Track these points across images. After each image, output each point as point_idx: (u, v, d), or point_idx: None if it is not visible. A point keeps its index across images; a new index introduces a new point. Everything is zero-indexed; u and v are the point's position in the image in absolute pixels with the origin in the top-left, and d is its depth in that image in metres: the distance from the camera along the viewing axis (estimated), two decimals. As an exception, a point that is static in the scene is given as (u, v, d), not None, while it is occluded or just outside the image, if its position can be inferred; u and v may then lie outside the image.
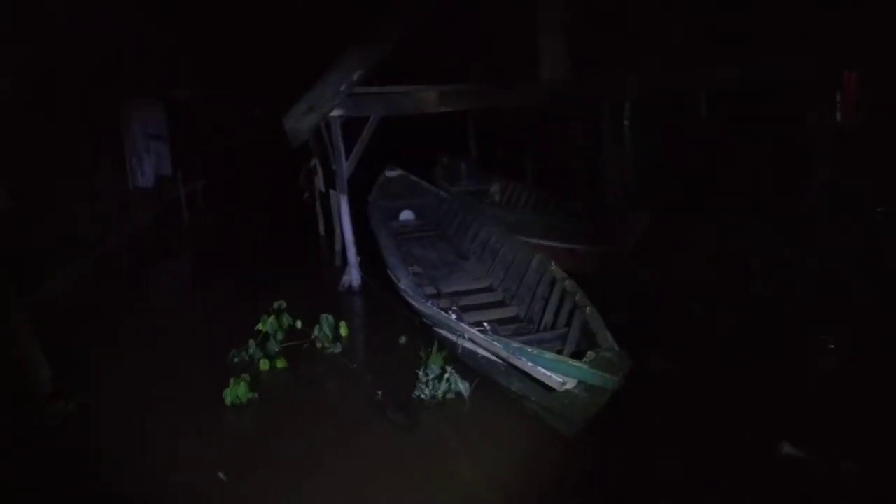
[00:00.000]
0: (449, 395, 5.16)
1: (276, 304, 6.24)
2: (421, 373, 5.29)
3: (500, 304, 6.75)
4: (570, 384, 4.12)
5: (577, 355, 4.23)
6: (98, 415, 5.11)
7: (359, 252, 7.92)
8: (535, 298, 6.33)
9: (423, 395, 5.18)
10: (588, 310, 5.28)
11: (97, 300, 7.62)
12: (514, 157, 11.96)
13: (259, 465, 4.48)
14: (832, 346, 5.29)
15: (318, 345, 6.17)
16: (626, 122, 10.21)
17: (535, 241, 7.55)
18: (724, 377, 5.25)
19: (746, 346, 5.66)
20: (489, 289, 7.13)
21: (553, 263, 6.40)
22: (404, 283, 6.58)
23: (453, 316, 5.36)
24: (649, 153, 10.58)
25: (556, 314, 5.83)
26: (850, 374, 5.05)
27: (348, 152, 7.84)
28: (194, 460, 4.53)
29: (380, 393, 5.29)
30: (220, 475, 4.32)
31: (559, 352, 4.75)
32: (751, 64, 8.55)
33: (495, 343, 4.58)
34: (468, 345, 5.11)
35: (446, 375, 5.23)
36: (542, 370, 4.15)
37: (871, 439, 4.23)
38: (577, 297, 5.58)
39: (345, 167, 7.84)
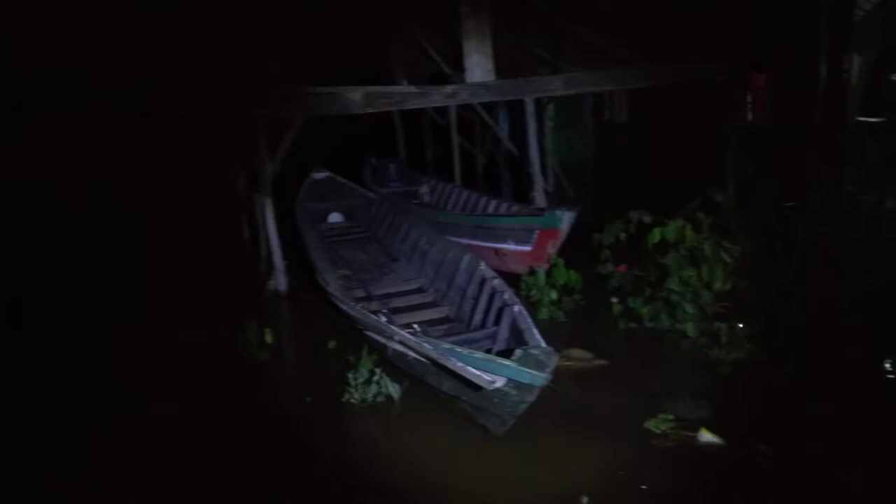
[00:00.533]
0: (379, 398, 5.14)
1: (199, 312, 6.08)
2: (350, 376, 5.25)
3: (431, 304, 6.77)
4: (500, 383, 4.19)
5: (507, 354, 4.30)
6: None
7: (286, 256, 7.78)
8: (465, 298, 6.39)
9: (352, 399, 5.15)
10: (516, 308, 5.37)
11: None
12: (442, 158, 12.03)
13: (181, 479, 4.33)
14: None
15: (244, 352, 6.03)
16: (550, 123, 10.45)
17: (464, 241, 7.60)
18: (645, 369, 5.44)
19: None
20: (420, 290, 7.14)
21: (482, 263, 6.47)
22: (333, 287, 6.51)
23: (383, 318, 5.35)
24: (573, 153, 10.88)
25: (486, 313, 5.90)
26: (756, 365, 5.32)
27: (272, 154, 7.69)
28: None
29: (309, 399, 5.22)
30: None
31: (488, 351, 4.80)
32: (666, 65, 8.89)
33: (425, 344, 4.60)
34: (398, 347, 5.11)
35: (376, 378, 5.21)
36: (472, 370, 4.20)
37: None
38: (505, 296, 5.67)
39: (268, 169, 7.69)
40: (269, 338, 6.13)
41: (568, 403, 4.96)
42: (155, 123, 8.21)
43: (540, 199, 9.23)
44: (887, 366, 4.99)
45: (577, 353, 5.71)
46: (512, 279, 6.93)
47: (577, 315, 6.62)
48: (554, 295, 6.69)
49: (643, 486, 3.89)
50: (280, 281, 7.67)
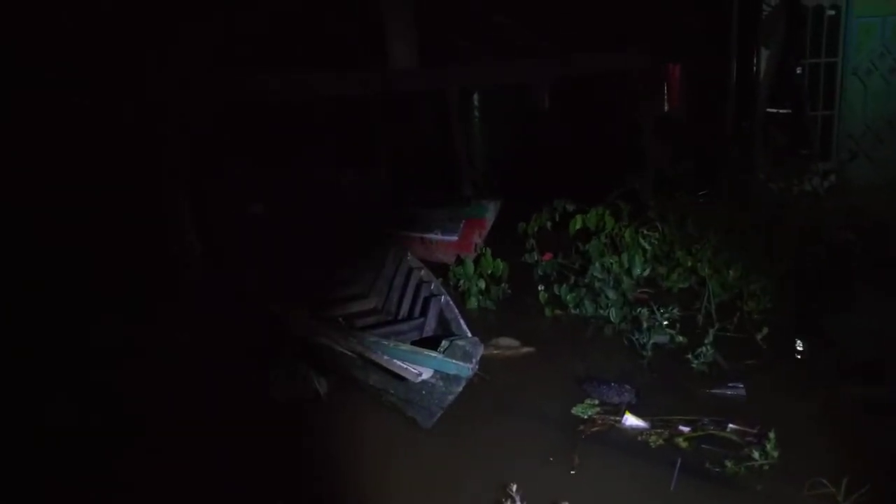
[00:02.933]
0: (306, 393, 5.00)
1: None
2: (272, 372, 5.08)
3: (357, 296, 6.65)
4: (427, 375, 4.15)
5: (434, 344, 4.26)
6: None
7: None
8: (392, 289, 6.31)
9: (277, 396, 4.98)
10: (443, 299, 5.35)
11: None
12: (365, 148, 11.85)
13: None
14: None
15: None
16: (475, 113, 10.46)
17: (390, 231, 7.51)
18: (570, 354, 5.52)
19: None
20: (346, 282, 7.00)
21: (409, 254, 6.40)
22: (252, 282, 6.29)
23: (305, 312, 5.21)
24: (498, 143, 10.94)
25: (413, 304, 5.85)
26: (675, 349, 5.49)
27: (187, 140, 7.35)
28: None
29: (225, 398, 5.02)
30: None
31: (416, 342, 4.75)
32: (585, 56, 9.04)
33: (350, 338, 4.51)
34: (322, 340, 4.98)
35: (302, 373, 5.07)
36: (398, 363, 4.16)
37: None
38: (431, 287, 5.63)
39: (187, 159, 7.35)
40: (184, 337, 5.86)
41: (496, 392, 4.97)
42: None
43: (466, 189, 9.23)
44: (798, 345, 5.25)
45: (505, 341, 5.74)
46: (441, 269, 6.92)
47: (504, 304, 6.67)
48: (482, 284, 6.71)
49: (572, 472, 3.93)
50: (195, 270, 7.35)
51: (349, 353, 4.74)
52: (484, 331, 5.76)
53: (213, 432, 4.62)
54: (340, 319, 4.95)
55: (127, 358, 5.62)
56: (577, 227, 6.44)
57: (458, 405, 4.36)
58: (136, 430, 4.69)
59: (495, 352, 5.58)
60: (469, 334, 4.58)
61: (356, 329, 4.86)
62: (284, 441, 4.58)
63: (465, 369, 4.09)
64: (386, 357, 4.23)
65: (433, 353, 4.13)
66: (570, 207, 6.68)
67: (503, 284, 6.78)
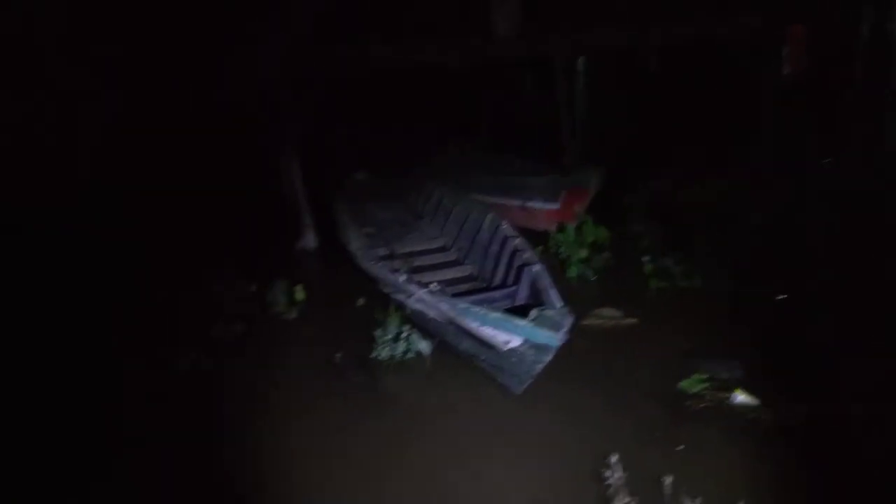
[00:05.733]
0: (409, 355, 5.17)
1: (228, 269, 6.13)
2: (378, 333, 5.28)
3: (454, 263, 6.74)
4: (515, 343, 4.20)
5: (524, 313, 4.30)
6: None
7: (314, 214, 7.78)
8: (487, 257, 6.35)
9: (381, 356, 5.18)
10: (536, 268, 5.32)
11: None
12: (467, 116, 11.85)
13: (218, 428, 4.43)
14: (782, 298, 5.44)
15: (274, 310, 6.08)
16: (580, 79, 10.20)
17: (488, 199, 7.52)
18: (671, 329, 5.38)
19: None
20: (443, 249, 7.10)
21: (505, 222, 6.40)
22: (354, 245, 6.52)
23: (401, 277, 5.36)
24: (603, 110, 10.64)
25: (507, 273, 5.87)
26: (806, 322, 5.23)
27: (298, 112, 7.66)
28: (141, 426, 4.47)
29: (338, 355, 5.27)
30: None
31: (507, 310, 4.79)
32: (700, 20, 8.58)
33: (441, 304, 4.62)
34: (418, 306, 5.12)
35: (404, 335, 5.23)
36: (487, 330, 4.24)
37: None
38: (525, 256, 5.63)
39: (295, 125, 7.67)
40: (299, 295, 6.17)
41: (595, 362, 4.94)
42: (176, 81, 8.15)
43: (569, 157, 9.08)
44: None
45: (606, 311, 5.66)
46: (540, 238, 6.88)
47: (606, 273, 6.54)
48: (584, 253, 6.62)
49: (679, 447, 3.86)
50: (309, 239, 7.70)
51: (441, 319, 4.87)
52: (585, 300, 5.73)
53: (327, 386, 4.90)
54: (433, 285, 5.05)
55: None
56: (688, 198, 6.20)
57: (556, 374, 4.37)
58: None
59: (596, 322, 5.52)
60: (560, 304, 4.55)
61: (449, 295, 4.95)
62: (384, 399, 4.78)
63: (554, 339, 4.09)
64: (475, 324, 4.31)
65: (522, 322, 4.15)
66: (679, 177, 6.44)
67: (605, 254, 6.66)
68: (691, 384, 4.46)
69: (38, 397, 4.79)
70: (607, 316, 5.61)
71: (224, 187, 9.64)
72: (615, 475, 3.55)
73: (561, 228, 6.90)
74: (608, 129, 10.57)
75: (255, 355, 5.50)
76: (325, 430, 4.41)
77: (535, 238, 6.45)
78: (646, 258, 6.35)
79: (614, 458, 3.64)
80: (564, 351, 4.20)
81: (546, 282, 5.05)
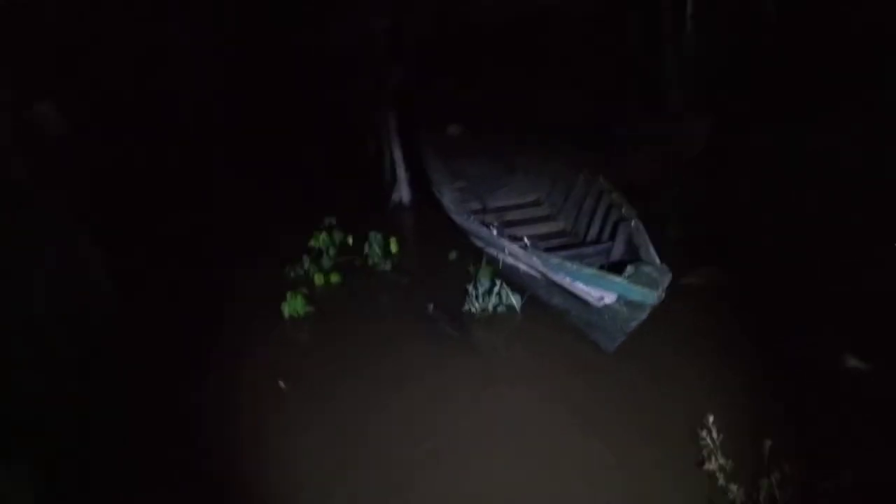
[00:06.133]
0: (500, 309, 5.20)
1: (326, 221, 6.33)
2: (471, 287, 5.32)
3: (546, 218, 6.63)
4: (609, 299, 4.11)
5: (619, 269, 4.18)
6: (158, 325, 5.34)
7: (409, 167, 7.85)
8: (581, 212, 6.19)
9: (473, 309, 5.24)
10: (633, 223, 5.14)
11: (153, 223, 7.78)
12: (567, 66, 11.46)
13: (317, 374, 4.66)
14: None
15: (370, 261, 6.25)
16: (689, 20, 9.57)
17: (584, 151, 7.30)
18: (778, 291, 5.08)
19: (804, 260, 5.45)
20: (536, 203, 7.00)
21: (601, 176, 6.21)
22: (447, 199, 6.54)
23: (494, 231, 5.34)
24: (713, 54, 9.96)
25: (602, 228, 5.72)
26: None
27: (395, 62, 7.68)
28: (255, 370, 4.73)
29: (431, 306, 5.37)
30: (280, 384, 4.52)
31: (601, 267, 4.69)
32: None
33: (535, 258, 4.57)
34: (510, 260, 5.11)
35: (496, 289, 5.25)
36: (580, 286, 4.17)
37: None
38: (623, 211, 5.45)
39: (392, 77, 7.70)
40: (393, 248, 6.30)
41: (690, 323, 4.76)
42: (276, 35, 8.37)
43: (676, 106, 8.64)
44: None
45: (708, 270, 5.43)
46: (641, 193, 6.63)
47: (711, 230, 6.23)
48: (685, 209, 6.34)
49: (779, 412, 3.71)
50: (403, 192, 7.80)
51: (534, 273, 4.83)
52: (683, 258, 5.50)
53: (421, 336, 5.06)
54: (526, 240, 5.00)
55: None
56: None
57: (651, 332, 4.27)
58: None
59: (696, 281, 5.31)
60: (658, 261, 4.39)
61: (541, 250, 4.90)
62: (475, 352, 4.86)
63: (651, 296, 3.96)
64: (568, 279, 4.24)
65: (617, 278, 4.05)
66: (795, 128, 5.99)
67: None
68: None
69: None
70: (707, 275, 5.38)
71: (323, 137, 9.92)
72: (711, 436, 3.46)
73: (665, 183, 6.62)
74: (719, 75, 9.94)
75: (352, 304, 5.70)
76: (417, 378, 4.55)
77: (637, 193, 6.21)
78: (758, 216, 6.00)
79: (711, 419, 3.53)
80: (660, 309, 4.08)
81: (643, 237, 4.88)
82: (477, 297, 5.26)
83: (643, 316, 4.11)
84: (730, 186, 6.41)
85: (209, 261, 6.74)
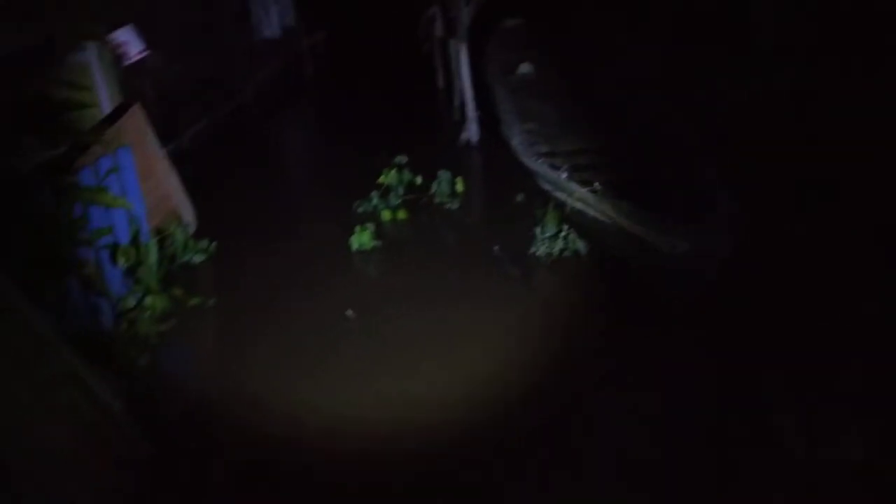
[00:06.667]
0: (566, 254, 5.20)
1: (396, 159, 6.39)
2: (537, 230, 5.34)
3: (618, 164, 6.50)
4: (681, 248, 4.07)
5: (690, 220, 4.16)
6: (233, 257, 5.54)
7: (478, 107, 7.79)
8: (653, 158, 6.06)
9: (538, 252, 5.26)
10: (706, 171, 5.03)
11: (229, 150, 8.03)
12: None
13: (383, 304, 4.82)
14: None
15: (436, 200, 6.32)
16: None
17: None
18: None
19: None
20: (607, 148, 6.85)
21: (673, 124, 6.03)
22: (516, 141, 6.48)
23: (563, 175, 5.30)
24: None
25: (674, 175, 5.59)
26: None
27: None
28: (324, 301, 4.91)
29: (496, 247, 5.42)
30: (348, 313, 4.70)
31: (672, 215, 4.61)
32: None
33: (605, 204, 4.53)
34: (578, 205, 5.07)
35: (563, 234, 5.25)
36: (650, 232, 4.13)
37: None
38: (692, 159, 5.31)
39: (464, 14, 7.56)
40: (460, 187, 6.34)
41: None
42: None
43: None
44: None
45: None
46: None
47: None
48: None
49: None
50: (472, 131, 7.76)
51: (603, 219, 4.80)
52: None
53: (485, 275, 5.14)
54: (596, 185, 4.95)
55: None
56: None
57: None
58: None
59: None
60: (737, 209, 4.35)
61: (612, 196, 4.86)
62: (539, 294, 4.91)
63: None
64: (639, 226, 4.21)
65: (687, 229, 4.05)
66: None
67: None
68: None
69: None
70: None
71: (396, 76, 9.89)
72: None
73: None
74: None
75: (417, 240, 5.82)
76: (478, 311, 4.66)
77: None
78: None
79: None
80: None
81: (717, 186, 4.80)
82: (543, 241, 5.27)
83: (715, 266, 4.09)
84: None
85: (284, 194, 6.97)
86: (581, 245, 5.17)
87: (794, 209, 5.19)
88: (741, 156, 5.56)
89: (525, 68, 9.74)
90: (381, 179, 6.30)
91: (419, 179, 6.35)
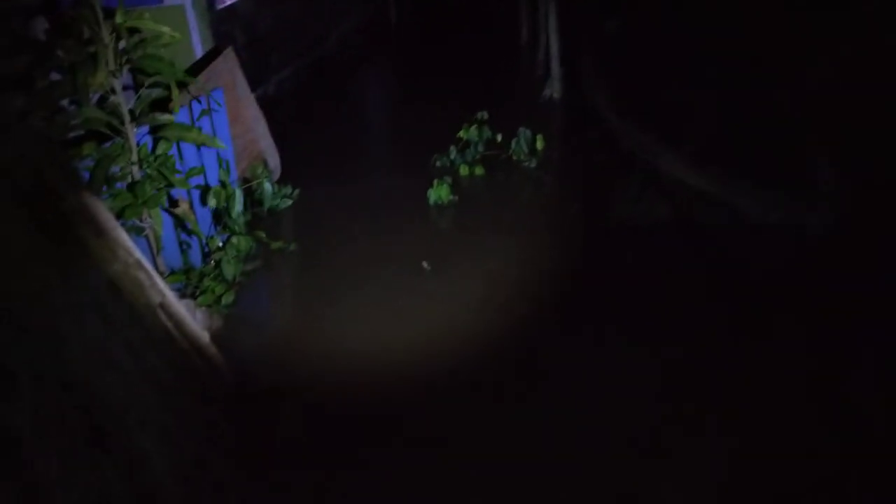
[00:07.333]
0: (649, 219, 5.05)
1: (478, 115, 6.32)
2: (620, 193, 5.22)
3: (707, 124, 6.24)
4: (774, 216, 3.91)
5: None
6: (314, 204, 5.67)
7: (563, 63, 7.59)
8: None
9: (620, 215, 5.15)
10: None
11: (313, 98, 8.15)
12: None
13: (459, 257, 4.84)
14: None
15: (515, 157, 6.25)
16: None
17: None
18: None
19: None
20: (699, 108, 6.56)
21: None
22: (601, 99, 6.31)
23: (650, 136, 5.13)
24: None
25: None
26: None
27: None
28: (402, 251, 4.97)
29: (575, 207, 5.34)
30: (424, 264, 4.74)
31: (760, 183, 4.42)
32: None
33: (692, 168, 4.37)
34: (664, 167, 4.90)
35: (646, 197, 5.11)
36: (743, 199, 3.97)
37: None
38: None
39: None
40: (539, 145, 6.24)
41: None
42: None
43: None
44: None
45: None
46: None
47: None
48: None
49: None
50: (556, 88, 7.59)
51: (689, 183, 4.64)
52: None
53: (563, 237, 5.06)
54: (685, 147, 4.80)
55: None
56: None
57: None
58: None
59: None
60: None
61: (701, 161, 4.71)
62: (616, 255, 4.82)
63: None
64: (728, 191, 4.06)
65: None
66: None
67: None
68: None
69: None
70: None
71: (482, 28, 9.72)
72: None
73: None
74: None
75: (493, 197, 5.78)
76: (551, 267, 4.62)
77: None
78: None
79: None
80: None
81: (817, 153, 4.54)
82: (624, 204, 5.15)
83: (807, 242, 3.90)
84: None
85: (365, 143, 7.04)
86: (665, 210, 5.02)
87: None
88: (845, 121, 5.21)
89: (612, 26, 9.39)
90: (461, 134, 6.27)
91: (499, 136, 6.28)
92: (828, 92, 5.64)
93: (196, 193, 4.60)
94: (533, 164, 6.18)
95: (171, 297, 3.34)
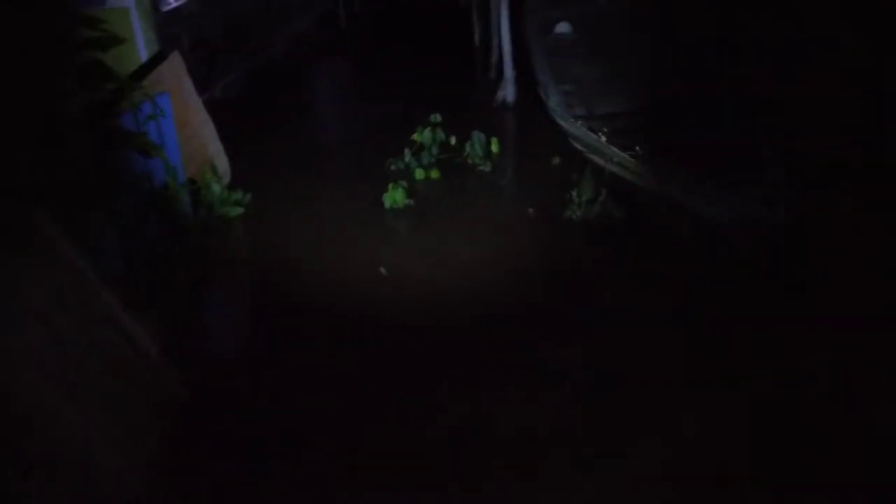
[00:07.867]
0: (603, 220, 5.10)
1: (431, 117, 6.29)
2: (574, 194, 5.25)
3: (659, 128, 6.36)
4: (726, 216, 4.01)
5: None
6: (267, 208, 5.54)
7: (516, 66, 7.63)
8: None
9: (574, 217, 5.18)
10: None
11: (262, 104, 7.98)
12: None
13: (416, 261, 4.81)
14: None
15: (470, 160, 6.24)
16: None
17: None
18: None
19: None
20: (647, 111, 6.69)
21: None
22: (553, 102, 6.34)
23: (603, 138, 5.20)
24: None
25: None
26: None
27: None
28: (357, 256, 4.91)
29: (531, 210, 5.36)
30: (381, 270, 4.70)
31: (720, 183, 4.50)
32: None
33: (646, 169, 4.45)
34: (616, 169, 4.97)
35: (600, 199, 5.16)
36: (695, 199, 4.06)
37: None
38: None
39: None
40: (494, 148, 6.25)
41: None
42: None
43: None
44: None
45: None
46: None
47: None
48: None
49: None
50: (509, 91, 7.61)
51: (642, 185, 4.71)
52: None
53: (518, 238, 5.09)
54: (638, 149, 4.86)
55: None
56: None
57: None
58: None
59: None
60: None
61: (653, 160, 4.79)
62: (572, 259, 4.86)
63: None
64: (682, 192, 4.13)
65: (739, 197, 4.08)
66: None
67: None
68: None
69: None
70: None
71: (432, 33, 9.68)
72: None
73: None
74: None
75: (449, 200, 5.76)
76: (513, 267, 4.64)
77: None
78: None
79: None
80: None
81: (764, 152, 4.70)
82: (579, 206, 5.19)
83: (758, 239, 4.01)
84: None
85: (317, 147, 6.94)
86: (618, 211, 5.08)
87: (848, 181, 5.03)
88: (792, 122, 5.39)
89: (563, 27, 9.49)
90: (415, 137, 6.23)
91: (453, 139, 6.26)
92: (771, 93, 5.85)
93: (144, 200, 4.45)
94: (488, 168, 6.19)
95: (117, 308, 3.22)
